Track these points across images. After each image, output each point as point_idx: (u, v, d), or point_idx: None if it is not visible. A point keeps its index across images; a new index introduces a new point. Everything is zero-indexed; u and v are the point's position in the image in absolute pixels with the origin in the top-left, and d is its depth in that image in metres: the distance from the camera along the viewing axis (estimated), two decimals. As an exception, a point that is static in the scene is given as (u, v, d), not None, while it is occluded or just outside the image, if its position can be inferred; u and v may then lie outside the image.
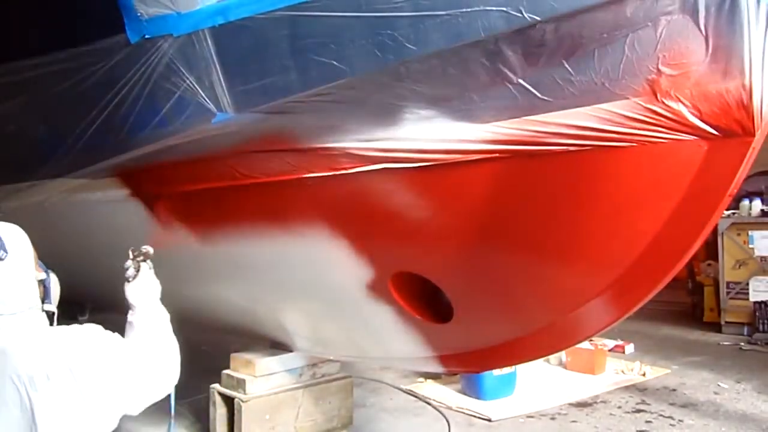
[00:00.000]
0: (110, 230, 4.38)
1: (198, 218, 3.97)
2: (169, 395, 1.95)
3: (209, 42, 2.94)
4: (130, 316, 1.97)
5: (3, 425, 1.54)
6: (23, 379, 1.55)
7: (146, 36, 3.06)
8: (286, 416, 4.34)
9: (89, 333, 1.71)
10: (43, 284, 1.76)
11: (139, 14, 3.03)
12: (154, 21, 3.02)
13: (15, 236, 1.69)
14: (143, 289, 2.02)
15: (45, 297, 1.75)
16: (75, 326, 1.71)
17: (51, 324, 1.75)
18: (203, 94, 3.02)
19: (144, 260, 2.10)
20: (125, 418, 1.75)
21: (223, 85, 2.98)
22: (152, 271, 2.09)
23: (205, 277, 4.36)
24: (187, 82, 3.03)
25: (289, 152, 3.24)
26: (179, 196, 3.87)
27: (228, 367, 4.55)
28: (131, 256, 2.09)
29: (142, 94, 3.17)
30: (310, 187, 3.31)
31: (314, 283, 3.78)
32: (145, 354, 1.83)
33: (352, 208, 3.28)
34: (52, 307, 1.77)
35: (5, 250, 1.62)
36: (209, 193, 3.67)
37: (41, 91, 3.75)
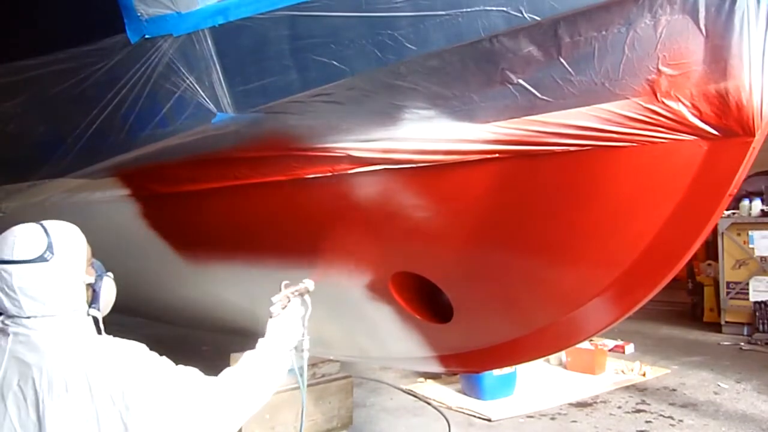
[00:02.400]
0: (110, 230, 4.38)
1: (197, 219, 3.97)
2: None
3: (209, 42, 2.94)
4: (251, 351, 1.87)
5: (16, 424, 1.52)
6: (43, 383, 1.52)
7: (146, 36, 3.06)
8: (286, 416, 4.34)
9: (132, 350, 1.63)
10: (93, 288, 1.71)
11: (139, 14, 3.03)
12: (154, 21, 3.02)
13: (67, 237, 1.66)
14: (282, 330, 1.91)
15: (93, 301, 1.70)
16: (120, 340, 1.64)
17: (97, 328, 1.70)
18: (203, 94, 3.02)
19: (301, 296, 1.93)
20: None
21: (223, 85, 2.98)
22: (306, 313, 1.96)
23: (204, 278, 4.37)
24: (187, 82, 3.03)
25: (289, 152, 3.24)
26: (178, 199, 3.87)
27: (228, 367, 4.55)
28: (282, 288, 1.91)
29: (142, 94, 3.17)
30: (310, 187, 3.31)
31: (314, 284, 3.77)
32: (214, 394, 1.71)
33: (352, 208, 3.28)
34: (98, 312, 1.71)
35: (52, 252, 1.60)
36: (209, 193, 3.67)
37: (41, 91, 3.75)
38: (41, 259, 1.58)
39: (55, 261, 1.60)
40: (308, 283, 1.98)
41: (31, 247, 1.58)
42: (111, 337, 1.67)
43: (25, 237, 1.60)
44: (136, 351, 1.63)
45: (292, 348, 1.93)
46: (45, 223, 1.65)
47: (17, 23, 3.82)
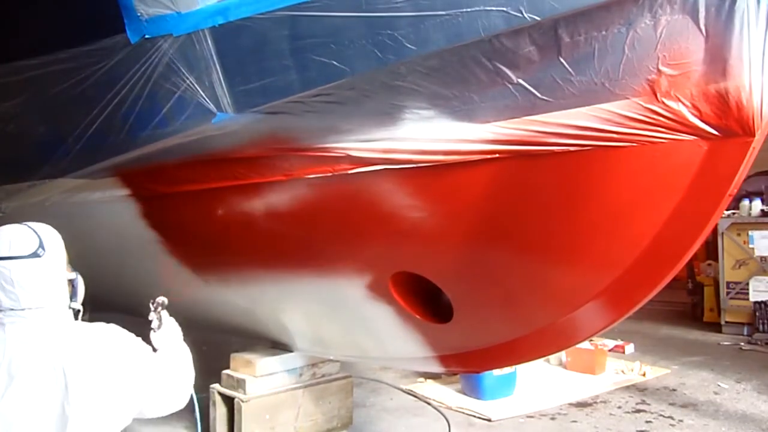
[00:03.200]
0: (110, 230, 4.38)
1: (197, 219, 3.97)
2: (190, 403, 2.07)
3: (209, 42, 2.94)
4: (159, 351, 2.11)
5: (30, 410, 1.63)
6: (57, 368, 1.65)
7: (146, 36, 3.06)
8: (286, 416, 4.34)
9: (113, 331, 1.83)
10: (72, 284, 1.88)
11: (139, 14, 3.03)
12: (154, 21, 3.02)
13: (52, 237, 1.82)
14: (168, 336, 2.18)
15: (72, 295, 1.87)
16: (100, 323, 1.83)
17: (76, 319, 1.88)
18: (203, 94, 3.02)
19: (163, 309, 2.25)
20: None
21: (223, 85, 2.98)
22: (171, 317, 2.25)
23: (203, 277, 4.37)
24: (187, 82, 3.03)
25: (289, 152, 3.24)
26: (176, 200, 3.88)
27: (228, 367, 4.55)
28: (152, 308, 2.25)
29: (142, 94, 3.17)
30: (310, 187, 3.31)
31: (314, 284, 3.78)
32: (165, 363, 1.98)
33: (352, 208, 3.28)
34: (78, 305, 1.89)
35: (43, 248, 1.76)
36: (209, 193, 3.67)
37: (41, 91, 3.75)
38: (35, 255, 1.74)
39: (47, 257, 1.77)
40: (163, 299, 2.29)
41: (25, 244, 1.74)
42: (90, 323, 1.85)
43: (18, 235, 1.76)
44: (109, 331, 1.82)
45: (182, 341, 2.20)
46: (30, 224, 1.81)
47: (17, 23, 3.83)
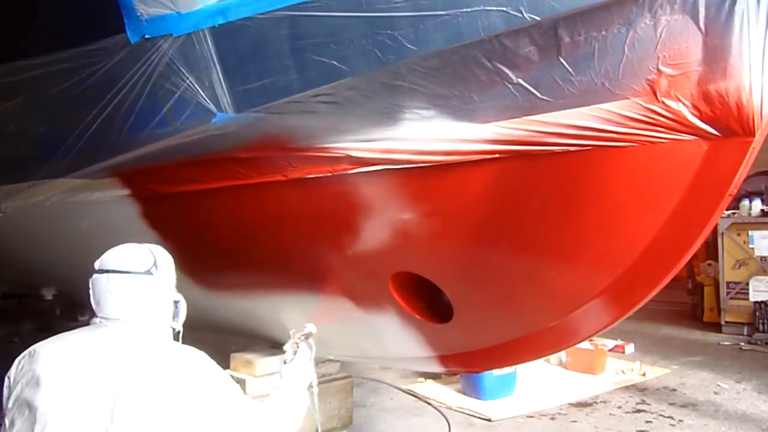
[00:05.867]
0: (110, 230, 4.37)
1: (197, 219, 3.97)
2: None
3: (209, 42, 2.94)
4: (274, 391, 2.17)
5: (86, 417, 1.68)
6: (129, 379, 1.72)
7: (146, 36, 3.06)
8: (286, 416, 4.34)
9: (203, 359, 1.90)
10: (176, 305, 2.01)
11: (139, 14, 3.03)
12: (154, 21, 3.02)
13: (166, 259, 1.99)
14: (297, 373, 2.22)
15: (174, 316, 2.01)
16: (193, 349, 1.92)
17: (176, 338, 2.00)
18: (203, 94, 3.02)
19: (306, 339, 2.26)
20: None
21: (223, 85, 2.98)
22: (311, 353, 2.27)
23: (203, 277, 4.36)
24: (187, 82, 3.03)
25: (289, 152, 3.24)
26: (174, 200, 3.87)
27: (228, 367, 4.55)
28: (291, 336, 2.25)
29: (142, 94, 3.16)
30: (310, 187, 3.31)
31: (314, 284, 3.78)
32: (258, 415, 1.98)
33: (352, 208, 3.27)
34: (178, 325, 2.02)
35: (156, 268, 1.92)
36: (209, 194, 3.67)
37: (41, 91, 3.75)
38: (148, 273, 1.90)
39: (158, 276, 1.92)
40: (310, 327, 2.31)
41: (141, 262, 1.90)
42: (186, 346, 1.95)
43: (135, 253, 1.93)
44: (204, 361, 1.91)
45: (307, 386, 2.24)
46: (148, 245, 1.99)
47: (18, 23, 3.82)
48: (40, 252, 5.38)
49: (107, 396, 1.70)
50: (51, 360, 1.76)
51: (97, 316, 1.88)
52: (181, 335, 2.02)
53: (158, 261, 1.94)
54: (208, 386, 1.84)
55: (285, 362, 2.22)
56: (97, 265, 1.92)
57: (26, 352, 1.83)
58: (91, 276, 1.91)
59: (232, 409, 1.87)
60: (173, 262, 2.01)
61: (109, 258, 1.91)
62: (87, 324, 1.91)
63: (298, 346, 2.24)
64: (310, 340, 2.29)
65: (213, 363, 1.92)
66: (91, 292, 1.89)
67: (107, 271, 1.88)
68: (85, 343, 1.82)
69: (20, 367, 1.79)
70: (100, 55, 3.29)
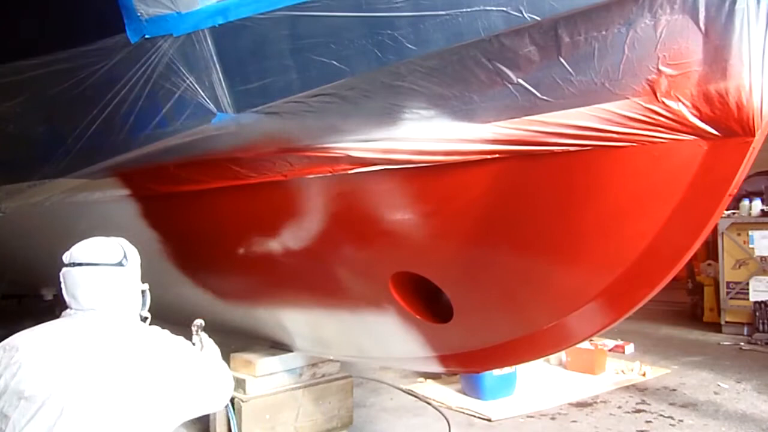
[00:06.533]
0: (110, 230, 4.37)
1: (197, 219, 3.97)
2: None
3: (209, 42, 2.94)
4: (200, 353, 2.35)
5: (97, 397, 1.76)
6: (124, 360, 1.82)
7: (146, 36, 3.06)
8: (286, 416, 4.34)
9: (176, 338, 2.04)
10: (143, 294, 2.11)
11: (139, 14, 3.03)
12: (154, 21, 3.02)
13: (134, 251, 2.07)
14: (209, 354, 2.38)
15: (143, 304, 2.11)
16: (156, 328, 2.04)
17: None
18: (203, 94, 3.02)
19: (202, 330, 2.46)
20: None
21: (223, 85, 2.98)
22: (210, 338, 2.45)
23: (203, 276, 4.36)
24: (187, 82, 3.03)
25: (289, 152, 3.24)
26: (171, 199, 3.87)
27: (228, 367, 4.55)
28: (194, 332, 2.44)
29: (142, 94, 3.17)
30: (309, 187, 3.31)
31: (314, 283, 3.77)
32: (210, 364, 2.22)
33: (352, 208, 3.27)
34: (146, 312, 2.13)
35: (126, 259, 2.01)
36: (209, 193, 3.67)
37: (42, 91, 3.75)
38: (119, 264, 1.98)
39: (128, 267, 2.01)
40: (200, 322, 2.47)
41: (112, 254, 1.99)
42: (153, 327, 2.06)
43: (105, 246, 2.01)
44: (168, 335, 2.03)
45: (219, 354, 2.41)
46: (115, 238, 2.06)
47: (18, 23, 3.82)
48: (40, 252, 5.38)
49: (88, 374, 1.77)
50: (30, 348, 1.82)
51: (70, 308, 1.95)
52: (148, 321, 2.12)
53: (128, 253, 2.02)
54: (172, 352, 1.97)
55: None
56: (66, 258, 1.97)
57: None
58: (60, 270, 1.97)
59: (191, 368, 2.01)
60: (138, 253, 2.09)
61: (79, 251, 1.98)
62: (59, 317, 1.98)
63: (200, 337, 2.43)
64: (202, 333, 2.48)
65: (175, 336, 2.04)
66: (62, 285, 1.96)
67: (79, 264, 1.95)
68: (61, 330, 1.90)
69: None
70: (100, 55, 3.29)
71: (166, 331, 2.05)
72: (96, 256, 1.96)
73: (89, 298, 1.92)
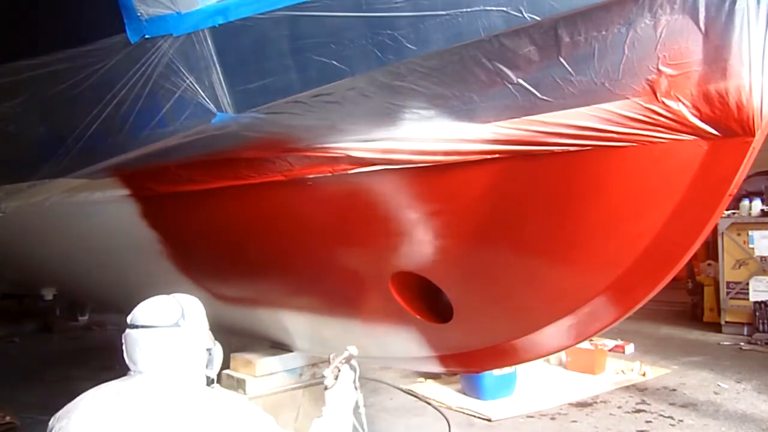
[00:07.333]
0: (110, 230, 4.37)
1: (197, 219, 3.97)
2: None
3: (209, 42, 2.94)
4: (319, 419, 2.15)
5: None
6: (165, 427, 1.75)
7: (146, 36, 3.06)
8: (286, 416, 4.33)
9: (242, 404, 1.93)
10: (209, 352, 2.05)
11: (139, 14, 3.03)
12: (154, 21, 3.02)
13: (194, 308, 2.02)
14: (339, 398, 2.19)
15: (209, 363, 2.05)
16: (230, 393, 1.99)
17: (209, 385, 2.05)
18: (203, 94, 3.02)
19: (347, 362, 2.21)
20: None
21: (223, 85, 2.98)
22: (355, 375, 2.24)
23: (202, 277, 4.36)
24: (187, 82, 3.03)
25: (289, 152, 3.24)
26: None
27: (228, 367, 4.55)
28: (331, 361, 2.21)
29: (142, 94, 3.16)
30: (309, 187, 3.31)
31: (314, 283, 3.77)
32: None
33: (352, 208, 3.27)
34: (213, 373, 2.06)
35: (184, 318, 1.95)
36: (209, 194, 3.67)
37: (41, 91, 3.75)
38: (176, 325, 1.93)
39: (186, 327, 1.95)
40: (351, 350, 2.26)
41: (168, 315, 1.94)
42: (220, 389, 2.03)
43: (162, 306, 1.96)
44: (241, 405, 1.93)
45: (353, 409, 2.21)
46: (176, 295, 2.01)
47: (18, 23, 3.82)
48: (40, 252, 5.38)
49: None
50: (79, 418, 1.80)
51: (130, 370, 1.93)
52: (214, 383, 2.05)
53: (186, 312, 1.97)
54: (244, 429, 1.84)
55: (326, 388, 2.20)
56: (128, 320, 1.96)
57: (58, 414, 1.87)
58: (124, 332, 1.95)
59: None
60: (202, 308, 2.05)
61: (138, 313, 1.96)
62: (121, 375, 1.95)
63: (339, 370, 2.21)
64: (353, 361, 2.25)
65: (251, 406, 1.94)
66: (123, 347, 1.93)
67: (136, 327, 1.93)
68: (115, 395, 1.85)
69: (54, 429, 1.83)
70: (100, 55, 3.29)
71: (239, 397, 1.96)
72: (150, 318, 1.93)
73: (145, 361, 1.89)
